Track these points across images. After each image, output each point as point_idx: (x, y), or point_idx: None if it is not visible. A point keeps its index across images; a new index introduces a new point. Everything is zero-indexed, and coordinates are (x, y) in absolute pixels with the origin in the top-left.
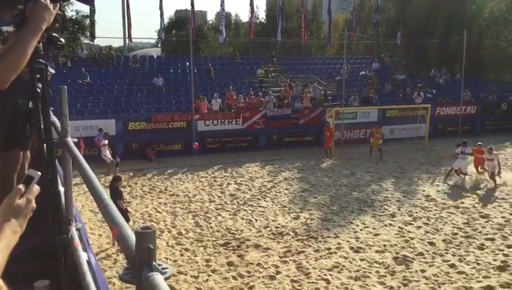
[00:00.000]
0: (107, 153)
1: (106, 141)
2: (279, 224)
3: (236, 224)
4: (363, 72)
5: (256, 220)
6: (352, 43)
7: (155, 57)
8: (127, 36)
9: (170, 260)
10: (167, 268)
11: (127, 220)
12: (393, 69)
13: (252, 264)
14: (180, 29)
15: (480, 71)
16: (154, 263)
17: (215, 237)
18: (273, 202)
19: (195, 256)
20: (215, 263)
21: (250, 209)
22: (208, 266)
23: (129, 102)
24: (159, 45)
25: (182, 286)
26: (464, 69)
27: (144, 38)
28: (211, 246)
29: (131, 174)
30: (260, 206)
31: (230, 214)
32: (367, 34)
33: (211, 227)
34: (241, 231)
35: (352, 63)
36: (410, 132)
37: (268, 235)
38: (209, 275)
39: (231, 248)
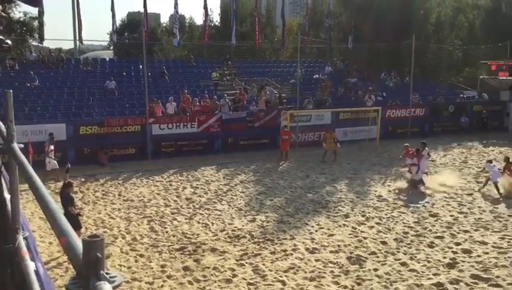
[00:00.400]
0: (51, 160)
1: (52, 147)
2: (235, 227)
3: (193, 228)
4: (317, 76)
5: (212, 223)
6: (305, 46)
7: (107, 59)
8: (77, 38)
9: (124, 266)
10: (116, 277)
11: (79, 226)
12: (345, 73)
13: (208, 268)
14: (133, 31)
15: (428, 74)
16: (102, 271)
17: (171, 242)
18: (230, 205)
19: (150, 262)
20: (171, 268)
21: (206, 213)
22: (163, 271)
23: (80, 106)
24: (111, 47)
25: None
26: (413, 73)
27: (95, 40)
28: (167, 251)
29: (83, 179)
30: (216, 209)
31: (186, 218)
32: (320, 38)
33: (167, 232)
34: (197, 235)
35: (306, 66)
36: (362, 133)
37: (225, 238)
38: (164, 281)
39: (187, 253)
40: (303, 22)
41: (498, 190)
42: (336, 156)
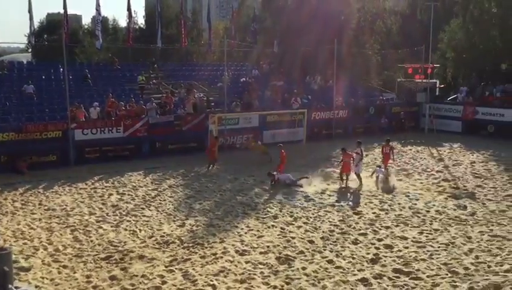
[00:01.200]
0: None
1: None
2: (164, 233)
3: (119, 236)
4: (244, 79)
5: (140, 230)
6: (232, 50)
7: (25, 62)
8: None
9: (47, 279)
10: None
11: None
12: (271, 76)
13: (137, 276)
14: (53, 33)
15: (350, 77)
16: (10, 285)
17: (96, 251)
18: (158, 211)
19: (75, 273)
20: (97, 278)
21: (133, 220)
22: (88, 282)
23: None
24: (29, 50)
25: None
26: (336, 76)
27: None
28: (92, 261)
29: (0, 189)
30: (144, 215)
31: (112, 226)
32: (246, 41)
33: (92, 241)
34: (125, 242)
35: (233, 69)
36: (289, 135)
37: (154, 245)
38: None
39: (114, 261)
40: (229, 25)
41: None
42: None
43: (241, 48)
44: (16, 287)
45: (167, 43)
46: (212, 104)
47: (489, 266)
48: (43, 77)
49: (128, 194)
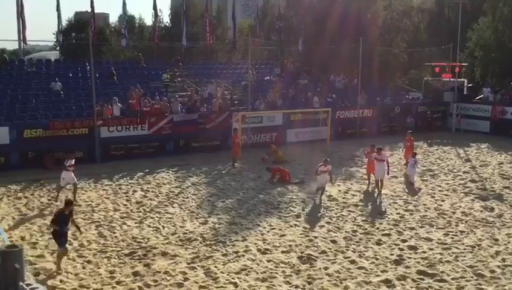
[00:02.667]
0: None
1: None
2: (187, 230)
3: (143, 232)
4: (268, 77)
5: (163, 227)
6: (256, 48)
7: (52, 60)
8: (21, 38)
9: (71, 273)
10: (37, 288)
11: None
12: (296, 75)
13: (159, 272)
14: (80, 31)
15: (376, 76)
16: (21, 283)
17: (120, 247)
18: (181, 208)
19: (99, 268)
20: (120, 273)
21: (157, 217)
22: (112, 277)
23: (24, 108)
24: (57, 48)
25: None
26: (361, 75)
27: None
28: (116, 257)
29: (27, 184)
30: (168, 212)
31: (136, 222)
32: (271, 39)
33: (116, 237)
34: (148, 239)
35: (257, 68)
36: (313, 134)
37: (176, 241)
38: (113, 287)
39: (137, 257)
40: (254, 24)
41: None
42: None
43: (265, 47)
44: (27, 285)
45: (192, 41)
46: (236, 102)
47: None
48: (70, 75)
49: (152, 191)
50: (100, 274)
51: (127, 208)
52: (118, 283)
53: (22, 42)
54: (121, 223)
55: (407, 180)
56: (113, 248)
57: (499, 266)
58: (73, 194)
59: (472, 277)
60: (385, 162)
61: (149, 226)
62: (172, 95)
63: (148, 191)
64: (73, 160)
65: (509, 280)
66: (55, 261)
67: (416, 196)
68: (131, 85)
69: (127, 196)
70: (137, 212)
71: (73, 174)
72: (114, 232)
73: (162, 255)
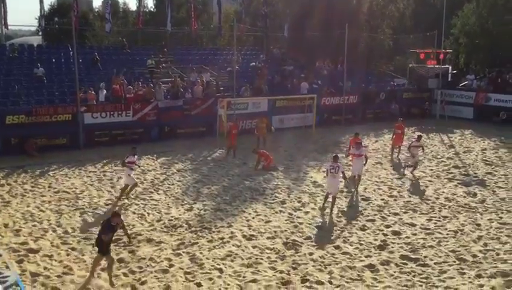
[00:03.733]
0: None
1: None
2: (172, 216)
3: (128, 219)
4: (253, 63)
5: (148, 213)
6: (242, 34)
7: (35, 45)
8: (3, 23)
9: (55, 260)
10: (8, 276)
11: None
12: (281, 61)
13: (144, 259)
14: (63, 16)
15: (361, 63)
16: None
17: None
18: (166, 195)
19: (83, 255)
20: (105, 260)
21: (142, 203)
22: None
23: (6, 94)
24: (40, 33)
25: (68, 286)
26: (346, 61)
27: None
28: None
29: (9, 171)
30: (153, 199)
31: (121, 209)
32: (256, 25)
33: (100, 224)
34: (133, 225)
35: (243, 54)
36: (299, 121)
37: (161, 228)
38: (98, 274)
39: (122, 244)
40: (239, 9)
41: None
42: (265, 142)
43: (251, 33)
44: None
45: (177, 27)
46: (222, 88)
47: (497, 254)
48: (53, 60)
49: (137, 178)
50: (85, 261)
51: (111, 194)
52: (102, 269)
53: (3, 27)
54: (105, 210)
55: (396, 164)
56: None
57: (480, 251)
58: (126, 191)
59: (454, 262)
60: (363, 157)
61: (134, 213)
62: (156, 82)
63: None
64: (135, 156)
65: (491, 264)
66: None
67: (401, 182)
68: (115, 71)
69: (111, 183)
70: (122, 198)
71: (133, 173)
72: (98, 219)
73: (147, 242)
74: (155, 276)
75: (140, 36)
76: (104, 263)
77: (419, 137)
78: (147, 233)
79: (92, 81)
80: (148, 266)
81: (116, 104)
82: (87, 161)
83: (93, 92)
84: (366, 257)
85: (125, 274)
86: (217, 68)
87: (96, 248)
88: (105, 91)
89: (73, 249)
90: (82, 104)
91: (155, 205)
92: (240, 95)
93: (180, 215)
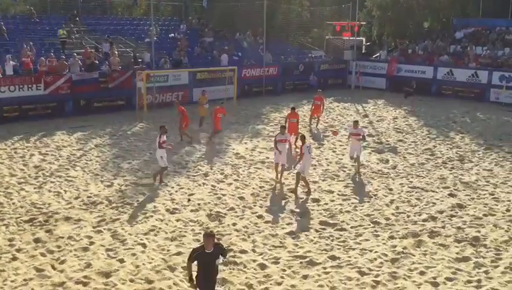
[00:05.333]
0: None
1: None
2: (91, 193)
3: (43, 197)
4: (172, 35)
5: (65, 191)
6: (159, 4)
7: None
8: None
9: None
10: None
11: None
12: (201, 32)
13: (63, 238)
14: None
15: (280, 35)
16: None
17: (19, 214)
18: (84, 171)
19: None
20: (20, 241)
21: (58, 181)
22: (11, 245)
23: None
24: None
25: None
26: (266, 33)
27: None
28: (14, 224)
29: None
30: (69, 176)
31: (35, 188)
32: None
33: (13, 203)
34: (49, 204)
35: (161, 24)
36: (220, 93)
37: (80, 206)
38: (13, 255)
39: (38, 224)
40: None
41: None
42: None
43: (169, 2)
44: None
45: None
46: (140, 60)
47: (408, 216)
48: None
49: (52, 155)
50: None
51: (24, 173)
52: (18, 250)
53: None
54: (18, 188)
55: (314, 134)
56: (11, 215)
57: (393, 214)
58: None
59: (369, 225)
60: (287, 144)
61: (49, 191)
62: (69, 52)
63: (47, 154)
64: (165, 135)
65: (402, 226)
66: None
67: (320, 151)
68: (23, 42)
69: (23, 160)
70: (36, 177)
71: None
72: (11, 199)
73: (65, 220)
74: (75, 255)
75: (49, 4)
76: None
77: (356, 123)
78: (65, 211)
79: None
80: (67, 245)
81: (26, 76)
82: None
83: None
84: (287, 224)
85: (42, 254)
86: (134, 39)
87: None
88: (12, 63)
89: None
90: None
91: (72, 182)
92: (159, 68)
93: (99, 191)
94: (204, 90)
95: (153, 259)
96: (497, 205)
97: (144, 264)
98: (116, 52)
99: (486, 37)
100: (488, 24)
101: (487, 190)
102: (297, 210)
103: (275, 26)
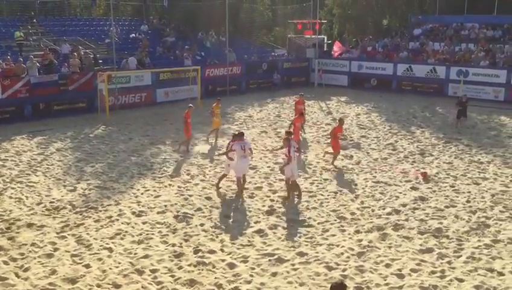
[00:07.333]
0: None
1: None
2: (54, 198)
3: (4, 204)
4: (134, 35)
5: (27, 197)
6: (119, 4)
7: None
8: None
9: None
10: None
11: None
12: (162, 32)
13: (26, 245)
14: None
15: (243, 34)
16: None
17: None
18: (46, 176)
19: None
20: None
21: (19, 187)
22: None
23: None
24: None
25: None
26: (228, 32)
27: None
28: None
29: None
30: (31, 181)
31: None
32: None
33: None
34: (10, 211)
35: (121, 25)
36: (184, 93)
37: (43, 211)
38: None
39: None
40: None
41: None
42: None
43: (129, 2)
44: None
45: None
46: (100, 61)
47: (373, 210)
48: None
49: (12, 160)
50: None
51: None
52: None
53: None
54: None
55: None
56: None
57: (358, 208)
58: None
59: (335, 220)
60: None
61: (10, 198)
62: (28, 55)
63: (7, 160)
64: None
65: (367, 220)
66: None
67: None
68: None
69: None
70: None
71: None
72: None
73: (27, 227)
74: (39, 261)
75: (5, 6)
76: None
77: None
78: (27, 218)
79: None
80: (30, 251)
81: None
82: None
83: None
84: (255, 223)
85: (5, 262)
86: (94, 40)
87: None
88: None
89: None
90: None
91: (34, 187)
92: (121, 69)
93: (62, 196)
94: (219, 98)
95: (120, 263)
96: (457, 197)
97: (110, 268)
98: (75, 54)
99: (443, 33)
100: (445, 21)
101: (448, 182)
102: (264, 208)
103: (237, 25)
